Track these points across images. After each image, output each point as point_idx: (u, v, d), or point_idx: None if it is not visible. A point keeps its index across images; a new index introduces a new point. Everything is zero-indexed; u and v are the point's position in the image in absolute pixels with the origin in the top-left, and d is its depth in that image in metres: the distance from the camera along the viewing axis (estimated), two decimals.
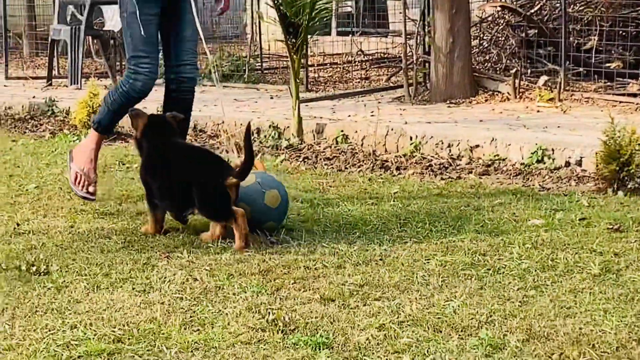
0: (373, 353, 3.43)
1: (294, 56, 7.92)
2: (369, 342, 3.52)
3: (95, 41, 14.00)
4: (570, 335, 3.58)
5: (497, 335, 3.58)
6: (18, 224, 5.28)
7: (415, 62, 10.29)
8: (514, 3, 11.35)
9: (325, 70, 13.32)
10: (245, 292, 4.08)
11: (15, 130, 9.39)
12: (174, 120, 5.24)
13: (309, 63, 12.58)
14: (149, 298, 4.00)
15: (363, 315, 3.81)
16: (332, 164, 7.42)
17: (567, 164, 7.03)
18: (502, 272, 4.42)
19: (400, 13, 10.50)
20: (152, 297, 4.01)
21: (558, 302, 3.99)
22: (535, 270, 4.43)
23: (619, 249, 4.82)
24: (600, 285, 4.21)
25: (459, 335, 3.60)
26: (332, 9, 8.75)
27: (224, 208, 4.78)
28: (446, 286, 4.21)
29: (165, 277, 4.27)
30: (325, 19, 8.80)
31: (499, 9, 11.38)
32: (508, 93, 9.81)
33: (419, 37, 10.51)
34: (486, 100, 9.77)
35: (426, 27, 10.37)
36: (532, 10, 10.97)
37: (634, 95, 9.46)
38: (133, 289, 4.12)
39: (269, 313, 3.77)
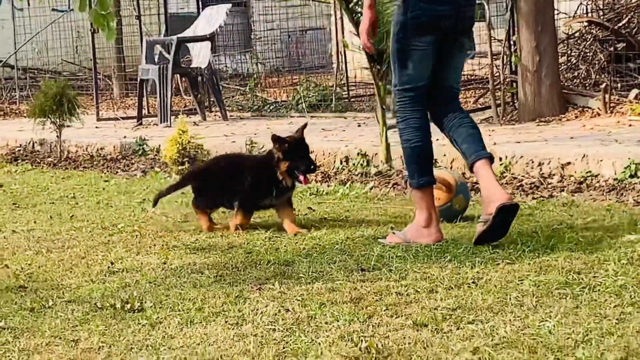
0: None
1: (379, 83, 7.93)
2: None
3: (183, 79, 14.19)
4: None
5: (594, 354, 3.50)
6: (112, 263, 5.35)
7: (502, 82, 10.22)
8: (601, 17, 11.20)
9: None
10: (338, 321, 4.06)
11: (108, 171, 9.57)
12: None
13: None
14: (241, 331, 4.01)
15: (457, 340, 3.77)
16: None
17: None
18: (598, 290, 4.32)
19: (486, 34, 10.45)
20: (245, 329, 4.02)
21: None
22: (632, 287, 4.33)
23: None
24: None
25: (555, 355, 3.53)
26: None
27: None
28: (540, 306, 4.14)
29: (257, 309, 4.28)
30: None
31: (585, 24, 11.24)
32: (598, 108, 9.68)
33: (505, 57, 10.44)
34: (576, 117, 9.65)
35: (512, 46, 10.29)
36: (620, 24, 10.82)
37: None
38: (226, 322, 4.14)
39: (362, 341, 3.75)
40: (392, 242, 5.37)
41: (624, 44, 10.58)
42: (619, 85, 10.38)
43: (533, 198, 6.77)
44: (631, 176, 6.97)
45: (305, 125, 6.05)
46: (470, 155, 5.33)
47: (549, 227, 5.67)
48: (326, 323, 4.05)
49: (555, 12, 10.81)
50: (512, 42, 10.28)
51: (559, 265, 4.77)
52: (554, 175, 7.40)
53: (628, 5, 11.30)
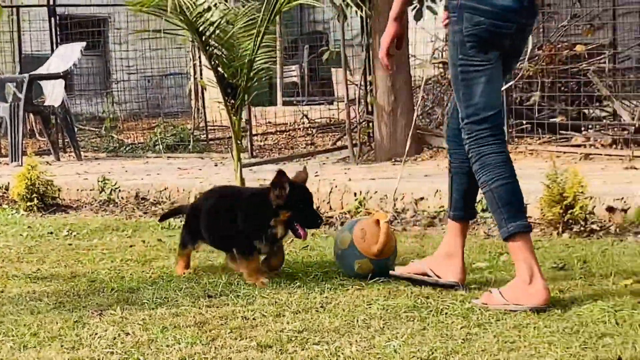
0: None
1: (234, 117, 7.83)
2: None
3: (37, 120, 13.85)
4: None
5: None
6: None
7: (358, 122, 10.25)
8: None
9: (270, 139, 13.26)
10: (180, 344, 3.92)
11: None
12: None
13: (255, 132, 12.54)
14: (77, 354, 3.83)
15: (301, 359, 3.68)
16: None
17: None
18: (446, 313, 4.30)
19: (342, 76, 10.49)
20: (81, 353, 3.84)
21: (502, 337, 3.88)
22: (480, 310, 4.33)
23: (564, 285, 4.74)
24: (545, 321, 4.12)
25: None
26: (272, 69, 8.69)
27: None
28: (388, 328, 4.09)
29: (96, 334, 4.11)
30: (264, 79, 8.73)
31: (441, 69, 11.41)
32: None
33: (361, 97, 10.48)
34: (431, 157, 9.74)
35: (368, 86, 10.35)
36: None
37: (577, 146, 9.47)
38: (62, 346, 3.95)
39: None
40: (490, 305, 4.40)
41: None
42: None
43: None
44: (483, 210, 7.01)
45: (305, 169, 5.31)
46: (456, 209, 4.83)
47: (399, 256, 5.64)
48: (167, 346, 3.91)
49: (411, 57, 10.95)
50: (368, 82, 10.33)
51: (408, 290, 4.74)
52: (407, 210, 7.41)
53: None
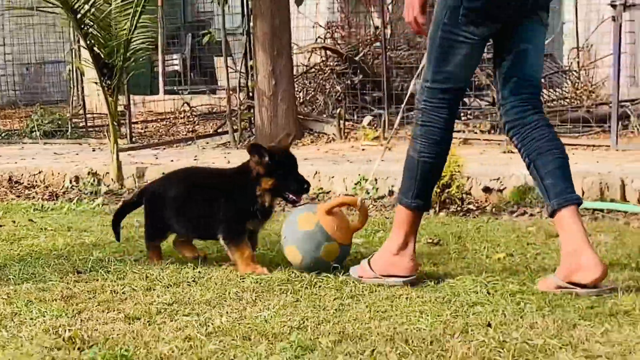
0: None
1: (110, 98, 7.69)
2: (173, 352, 3.30)
3: None
4: (385, 334, 3.44)
5: (308, 338, 3.41)
6: None
7: (239, 106, 10.16)
8: (337, 46, 11.38)
9: (152, 126, 13.07)
10: (44, 317, 3.80)
11: None
12: None
13: (136, 120, 12.35)
14: None
15: (169, 330, 3.59)
16: None
17: (391, 192, 6.99)
18: (319, 286, 4.27)
19: (229, 67, 10.39)
20: None
21: (374, 307, 3.86)
22: (353, 282, 4.30)
23: (438, 260, 4.75)
24: (418, 292, 4.11)
25: (269, 340, 3.42)
26: (153, 56, 8.56)
27: None
28: (260, 300, 4.03)
29: None
30: (145, 67, 8.60)
31: (323, 57, 11.40)
32: (334, 134, 9.78)
33: (242, 81, 10.39)
34: (312, 142, 9.71)
35: (249, 71, 10.26)
36: (357, 57, 11.01)
37: (457, 131, 9.55)
38: None
39: (67, 332, 3.51)
40: (358, 275, 4.38)
41: (361, 76, 10.76)
42: (355, 116, 10.55)
43: None
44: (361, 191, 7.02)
45: (289, 135, 5.00)
46: (556, 196, 4.12)
47: (277, 233, 5.59)
48: (31, 319, 3.79)
49: (294, 45, 10.93)
50: (249, 67, 10.25)
51: (282, 264, 4.68)
52: None
53: (363, 40, 11.56)
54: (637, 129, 9.03)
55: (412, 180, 4.30)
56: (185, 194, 4.80)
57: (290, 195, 4.71)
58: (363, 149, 9.04)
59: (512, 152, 8.27)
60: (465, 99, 10.72)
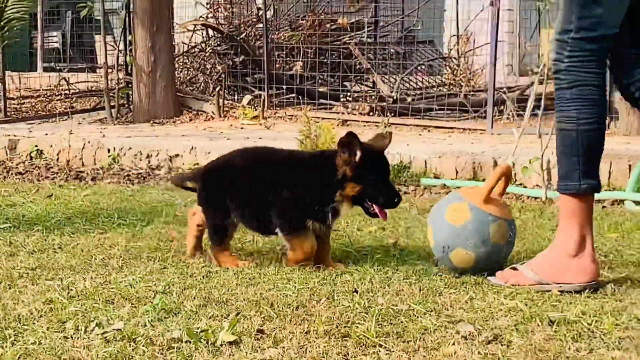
0: (34, 323, 3.12)
1: None
2: (32, 314, 3.22)
3: None
4: (250, 299, 3.42)
5: (173, 301, 3.37)
6: None
7: (117, 82, 9.99)
8: (220, 25, 11.30)
9: (28, 102, 12.78)
10: None
11: None
12: None
13: (12, 96, 12.07)
14: None
15: (30, 293, 3.50)
16: (24, 178, 7.01)
17: None
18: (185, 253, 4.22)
19: (110, 44, 10.22)
20: None
21: (242, 275, 3.83)
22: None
23: None
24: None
25: (132, 304, 3.37)
26: (24, 19, 8.36)
27: None
28: (126, 267, 3.97)
29: None
30: (15, 28, 8.40)
31: (201, 31, 11.31)
32: (213, 112, 9.71)
33: (120, 57, 10.22)
34: (191, 120, 9.62)
35: (127, 46, 10.11)
36: (239, 38, 10.94)
37: (337, 112, 9.58)
38: None
39: None
40: (511, 283, 3.69)
41: (242, 57, 10.70)
42: (236, 95, 10.49)
43: (138, 184, 6.63)
44: None
45: (387, 135, 4.12)
46: None
47: (148, 204, 5.54)
48: None
49: (175, 24, 10.84)
50: (127, 42, 10.09)
51: (152, 234, 4.63)
52: (162, 167, 7.28)
53: (246, 20, 11.50)
54: (513, 116, 9.16)
55: (575, 157, 3.58)
56: (256, 177, 4.03)
57: (374, 207, 3.93)
58: (242, 127, 9.00)
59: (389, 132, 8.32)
60: (346, 83, 10.78)
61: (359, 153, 3.84)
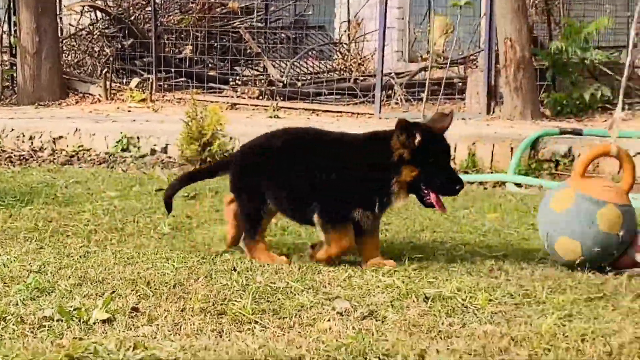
0: None
1: None
2: None
3: None
4: (127, 278, 3.38)
5: (47, 281, 3.31)
6: None
7: (1, 64, 9.78)
8: (109, 8, 11.15)
9: None
10: None
11: None
12: None
13: None
14: None
15: None
16: None
17: (153, 151, 6.90)
18: (69, 235, 4.16)
19: None
20: None
21: (120, 255, 3.78)
22: (103, 232, 4.21)
23: (192, 212, 4.71)
24: (170, 241, 4.06)
25: (5, 283, 3.30)
26: None
27: None
28: (1, 246, 3.89)
29: None
30: None
31: (89, 13, 11.15)
32: (99, 95, 9.58)
33: (4, 38, 10.00)
34: (77, 102, 9.49)
35: (12, 27, 9.90)
36: (129, 20, 10.80)
37: (226, 96, 9.54)
38: None
39: None
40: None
41: (131, 40, 10.58)
42: (124, 78, 10.36)
43: (19, 165, 6.51)
44: (123, 150, 6.93)
45: (451, 113, 3.73)
46: None
47: (28, 185, 5.44)
48: None
49: (63, 6, 10.66)
50: (12, 23, 9.88)
51: (30, 214, 4.55)
52: (45, 148, 7.17)
53: (134, 2, 11.37)
54: (402, 101, 9.24)
55: None
56: (298, 160, 3.70)
57: (430, 196, 3.60)
58: (129, 110, 8.90)
59: (277, 116, 8.34)
60: (236, 67, 10.74)
61: (418, 135, 3.52)
